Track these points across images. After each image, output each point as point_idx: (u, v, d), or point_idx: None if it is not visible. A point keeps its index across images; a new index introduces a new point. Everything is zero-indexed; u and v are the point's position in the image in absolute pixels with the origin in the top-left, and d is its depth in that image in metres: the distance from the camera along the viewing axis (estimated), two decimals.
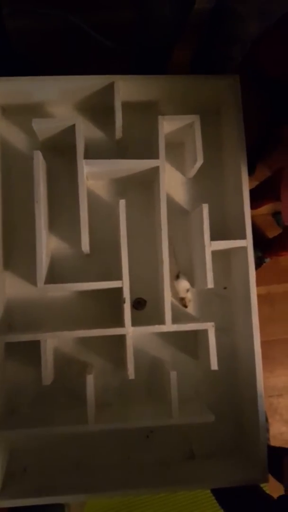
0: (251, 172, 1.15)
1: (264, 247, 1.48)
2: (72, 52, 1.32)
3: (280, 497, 0.87)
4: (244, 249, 0.93)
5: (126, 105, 0.94)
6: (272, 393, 1.50)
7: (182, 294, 1.01)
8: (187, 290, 1.01)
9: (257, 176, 1.40)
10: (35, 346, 0.89)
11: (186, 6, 0.95)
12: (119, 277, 0.90)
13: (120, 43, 1.24)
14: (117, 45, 1.26)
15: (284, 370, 1.53)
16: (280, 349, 1.53)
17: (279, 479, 0.92)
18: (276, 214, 1.52)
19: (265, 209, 1.50)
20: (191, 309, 1.02)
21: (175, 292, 1.01)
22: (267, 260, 1.51)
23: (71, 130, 0.90)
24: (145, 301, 1.00)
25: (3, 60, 1.19)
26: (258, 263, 1.45)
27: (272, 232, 1.51)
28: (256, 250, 0.95)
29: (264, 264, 1.52)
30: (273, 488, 0.99)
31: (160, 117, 0.92)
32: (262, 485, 0.95)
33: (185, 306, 1.01)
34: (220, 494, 0.97)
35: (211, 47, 1.05)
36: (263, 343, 0.92)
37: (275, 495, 1.05)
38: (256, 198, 0.94)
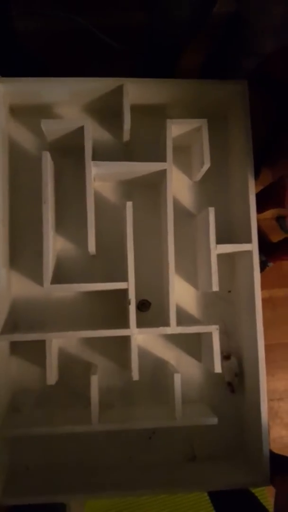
0: (256, 176, 1.15)
1: (268, 251, 1.49)
2: (80, 54, 1.33)
3: None
4: (249, 253, 0.94)
5: (134, 108, 0.95)
6: (273, 396, 1.51)
7: (228, 378, 1.00)
8: (236, 375, 1.00)
9: (261, 180, 1.41)
10: (40, 345, 0.89)
11: (205, 7, 0.95)
12: (124, 279, 0.91)
13: (128, 45, 1.25)
14: (125, 47, 1.26)
15: (285, 374, 1.54)
16: (281, 353, 1.53)
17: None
18: (280, 219, 1.53)
19: (269, 213, 1.51)
20: (195, 311, 1.02)
21: (221, 375, 1.00)
22: (270, 264, 1.52)
23: (79, 131, 0.91)
24: (149, 303, 1.00)
25: (13, 61, 1.20)
26: (262, 267, 1.46)
27: (276, 236, 1.52)
28: (259, 254, 0.95)
29: (267, 268, 1.53)
30: (271, 491, 0.99)
31: (168, 120, 0.92)
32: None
33: (233, 391, 1.00)
34: (217, 503, 0.98)
35: (225, 56, 1.06)
36: (264, 347, 0.93)
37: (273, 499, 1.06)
38: (260, 204, 0.95)
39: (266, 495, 1.24)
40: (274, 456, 0.92)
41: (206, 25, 1.03)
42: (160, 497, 1.36)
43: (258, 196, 0.96)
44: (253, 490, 0.96)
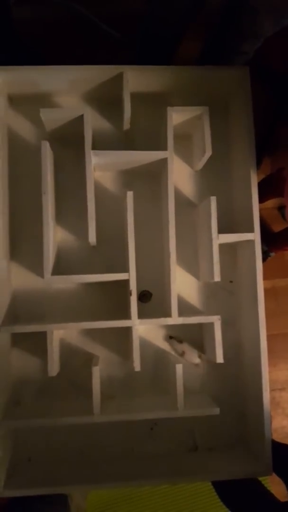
0: (257, 165, 1.14)
1: (270, 241, 1.48)
2: (78, 42, 1.31)
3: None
4: (251, 242, 0.93)
5: (134, 96, 0.93)
6: (275, 387, 1.51)
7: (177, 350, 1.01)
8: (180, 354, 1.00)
9: (263, 169, 1.40)
10: (41, 337, 0.89)
11: None
12: (125, 269, 0.90)
13: (127, 33, 1.23)
14: (124, 35, 1.24)
15: (286, 364, 1.54)
16: (283, 343, 1.53)
17: (285, 479, 0.91)
18: (282, 208, 1.52)
19: (271, 203, 1.50)
20: (196, 302, 1.02)
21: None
22: (272, 254, 1.51)
23: (79, 120, 0.90)
24: (151, 294, 0.99)
25: (9, 50, 1.18)
26: (264, 257, 1.45)
27: (278, 226, 1.51)
28: (261, 244, 0.94)
29: (269, 258, 1.52)
30: (274, 480, 0.99)
31: (169, 108, 0.91)
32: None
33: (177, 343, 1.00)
34: (222, 491, 0.98)
35: (224, 41, 1.04)
36: (266, 337, 0.92)
37: (276, 487, 1.06)
38: (261, 194, 0.94)
39: (269, 484, 1.24)
40: (276, 446, 0.92)
41: (203, 11, 1.01)
42: (160, 488, 1.37)
43: (259, 186, 0.95)
44: None
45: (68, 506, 1.19)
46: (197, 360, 0.99)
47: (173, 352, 1.00)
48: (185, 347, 0.99)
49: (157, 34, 1.11)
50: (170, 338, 1.00)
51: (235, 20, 0.97)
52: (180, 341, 1.00)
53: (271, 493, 0.92)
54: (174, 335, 1.00)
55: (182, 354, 0.99)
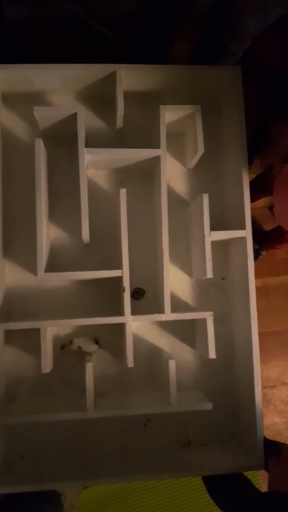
0: (249, 165, 1.16)
1: (261, 239, 1.50)
2: (72, 43, 1.32)
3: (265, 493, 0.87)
4: (243, 239, 0.94)
5: (127, 95, 0.94)
6: (266, 384, 1.52)
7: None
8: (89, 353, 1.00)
9: (254, 169, 1.42)
10: (34, 334, 0.89)
11: None
12: (118, 267, 0.91)
13: (121, 34, 1.23)
14: (118, 36, 1.25)
15: (278, 362, 1.55)
16: (274, 341, 1.55)
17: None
18: (272, 208, 1.54)
19: (262, 202, 1.52)
20: (189, 299, 1.03)
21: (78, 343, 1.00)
22: (264, 252, 1.53)
23: (72, 118, 0.91)
24: (144, 291, 1.00)
25: (2, 50, 1.18)
26: (255, 256, 1.46)
27: (269, 225, 1.52)
28: (253, 242, 0.95)
29: (260, 256, 1.54)
30: (265, 476, 1.00)
31: (161, 106, 0.92)
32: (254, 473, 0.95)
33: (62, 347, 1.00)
34: (210, 486, 0.98)
35: (212, 40, 1.05)
36: (258, 335, 0.93)
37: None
38: (252, 193, 0.95)
39: (260, 480, 1.25)
40: (267, 442, 0.93)
41: (195, 11, 1.02)
42: (155, 484, 1.37)
43: (250, 185, 0.96)
44: (248, 475, 0.97)
45: (61, 504, 1.19)
46: (94, 347, 1.00)
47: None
48: (78, 341, 1.00)
49: (152, 33, 1.12)
50: (62, 348, 1.00)
51: (223, 20, 0.98)
52: (70, 342, 1.00)
53: (257, 489, 0.93)
54: (63, 342, 1.00)
55: (83, 352, 0.99)
